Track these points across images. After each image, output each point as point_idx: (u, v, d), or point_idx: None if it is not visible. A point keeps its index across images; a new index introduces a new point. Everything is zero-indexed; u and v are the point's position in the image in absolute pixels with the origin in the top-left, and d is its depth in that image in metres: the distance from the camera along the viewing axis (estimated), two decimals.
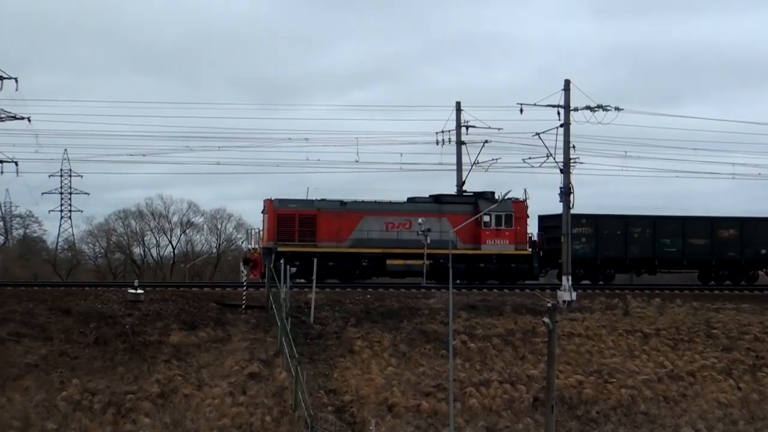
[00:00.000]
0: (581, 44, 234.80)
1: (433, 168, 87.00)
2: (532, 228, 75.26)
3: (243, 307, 58.08)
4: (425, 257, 66.88)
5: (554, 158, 66.73)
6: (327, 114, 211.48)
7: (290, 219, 70.80)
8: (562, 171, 66.34)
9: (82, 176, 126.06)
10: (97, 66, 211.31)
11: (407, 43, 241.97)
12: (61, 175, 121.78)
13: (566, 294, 62.79)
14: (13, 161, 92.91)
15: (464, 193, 74.24)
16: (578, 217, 73.60)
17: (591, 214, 74.70)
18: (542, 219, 77.39)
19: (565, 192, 66.13)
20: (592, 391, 54.01)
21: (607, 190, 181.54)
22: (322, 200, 71.70)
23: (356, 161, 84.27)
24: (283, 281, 57.80)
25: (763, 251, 71.11)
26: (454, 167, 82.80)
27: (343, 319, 58.14)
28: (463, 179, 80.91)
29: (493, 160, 79.55)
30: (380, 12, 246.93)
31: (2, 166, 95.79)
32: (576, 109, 66.25)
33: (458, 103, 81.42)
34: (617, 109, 67.14)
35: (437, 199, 71.34)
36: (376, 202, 73.03)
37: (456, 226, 65.39)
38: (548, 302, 48.20)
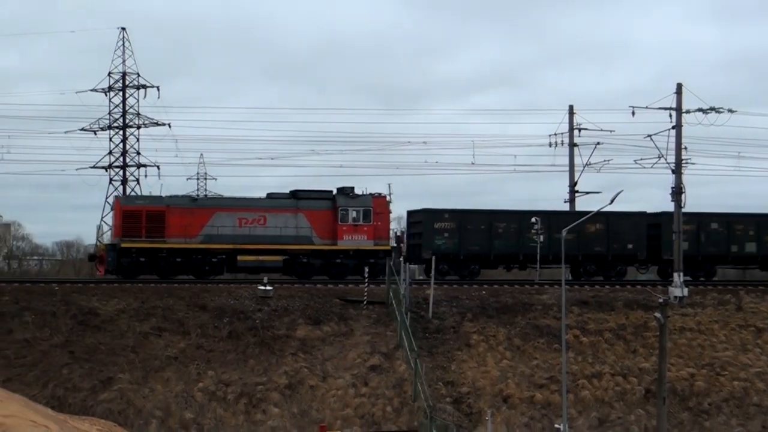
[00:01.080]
0: (700, 48, 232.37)
1: (546, 169, 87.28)
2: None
3: (364, 302, 58.95)
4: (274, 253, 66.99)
5: (666, 159, 66.90)
6: (446, 118, 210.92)
7: (137, 215, 69.00)
8: (673, 171, 66.50)
9: (216, 179, 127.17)
10: (234, 75, 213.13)
11: (525, 50, 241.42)
12: (198, 179, 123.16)
13: (678, 290, 62.36)
14: (155, 165, 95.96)
15: (322, 190, 71.80)
16: (441, 212, 72.80)
17: (454, 209, 72.91)
18: (409, 214, 76.14)
19: (677, 191, 66.38)
20: (703, 383, 54.12)
21: (721, 190, 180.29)
22: (172, 196, 70.68)
23: (472, 163, 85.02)
24: (403, 282, 58.69)
25: (630, 246, 70.49)
26: (567, 168, 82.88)
27: (460, 314, 58.68)
28: (576, 180, 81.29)
29: (605, 161, 79.31)
30: (500, 21, 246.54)
31: (146, 170, 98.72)
32: (688, 111, 65.96)
33: (571, 107, 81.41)
34: (730, 111, 66.91)
35: (294, 194, 70.00)
36: (229, 198, 72.72)
37: (313, 222, 66.48)
38: (659, 298, 49.25)
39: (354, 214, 66.79)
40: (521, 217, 69.56)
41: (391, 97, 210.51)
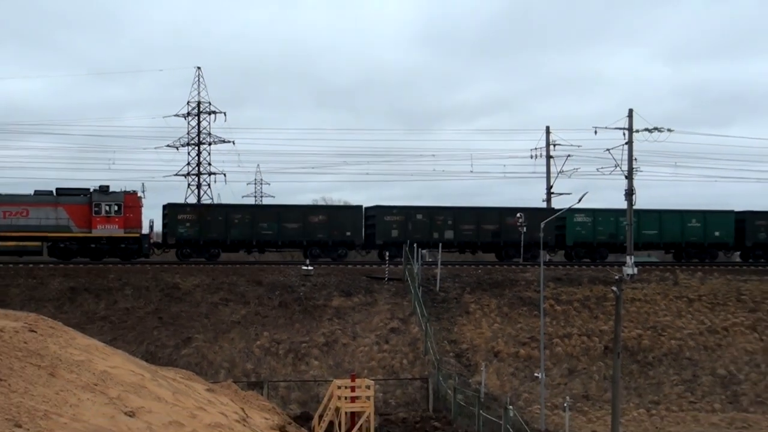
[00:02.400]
0: (654, 81, 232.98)
1: (528, 176, 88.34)
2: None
3: (386, 279, 59.14)
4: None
5: (620, 168, 67.41)
6: (454, 136, 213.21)
7: None
8: (626, 177, 67.03)
9: (269, 184, 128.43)
10: (289, 102, 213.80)
11: (519, 83, 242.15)
12: (255, 184, 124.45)
13: (629, 269, 63.10)
14: (222, 173, 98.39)
15: (81, 188, 68.33)
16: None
17: (194, 204, 73.08)
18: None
19: (629, 193, 66.87)
20: (648, 341, 54.44)
21: (662, 192, 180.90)
22: None
23: (471, 171, 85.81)
24: (415, 260, 59.23)
25: (348, 233, 68.56)
26: (545, 175, 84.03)
27: (461, 288, 59.06)
28: (551, 184, 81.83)
29: (574, 169, 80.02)
30: (499, 60, 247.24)
31: (215, 177, 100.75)
32: (637, 131, 66.42)
33: (547, 127, 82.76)
34: (669, 130, 67.29)
35: (57, 192, 66.85)
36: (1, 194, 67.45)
37: (72, 214, 64.59)
38: (616, 275, 49.80)
39: (107, 207, 64.61)
40: (254, 210, 69.19)
41: (413, 119, 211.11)
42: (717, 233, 69.73)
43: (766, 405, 50.95)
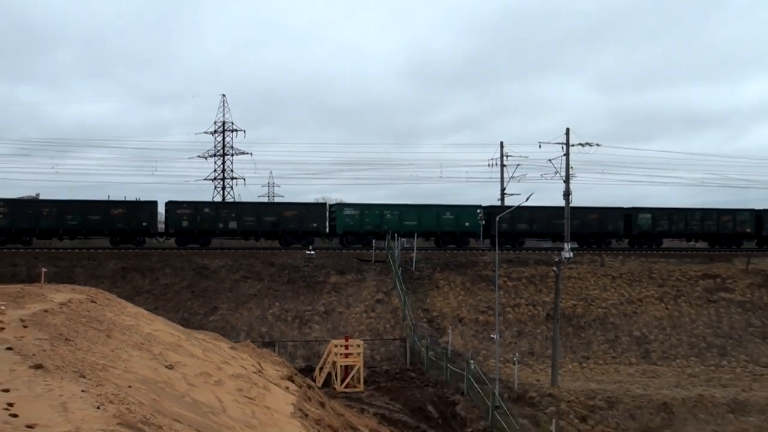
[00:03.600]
0: (591, 106, 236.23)
1: (486, 180, 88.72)
2: None
3: (373, 261, 59.23)
4: None
5: (560, 174, 67.86)
6: (429, 149, 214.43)
7: None
8: (564, 181, 67.39)
9: (280, 186, 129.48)
10: (297, 121, 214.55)
11: (483, 107, 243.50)
12: (268, 186, 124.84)
13: (567, 253, 63.22)
14: (242, 178, 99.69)
15: None
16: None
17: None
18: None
19: (566, 194, 67.17)
20: (581, 310, 54.99)
21: (592, 193, 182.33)
22: None
23: (440, 176, 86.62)
24: (396, 248, 59.45)
25: (144, 224, 64.56)
26: (499, 179, 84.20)
27: (432, 268, 59.28)
28: (504, 187, 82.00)
29: (522, 175, 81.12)
30: (468, 89, 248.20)
31: (236, 182, 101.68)
32: (573, 145, 67.02)
33: (501, 142, 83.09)
34: (597, 144, 67.96)
35: None
36: None
37: None
38: (556, 258, 50.19)
39: None
40: (61, 204, 64.87)
41: (397, 136, 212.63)
42: (467, 224, 69.19)
43: (670, 359, 51.52)
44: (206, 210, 66.79)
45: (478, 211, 69.09)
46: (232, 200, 78.63)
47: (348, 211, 69.06)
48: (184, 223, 65.64)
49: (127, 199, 67.61)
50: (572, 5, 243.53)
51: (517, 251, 67.99)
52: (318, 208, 71.29)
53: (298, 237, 67.50)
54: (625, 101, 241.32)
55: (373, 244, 62.04)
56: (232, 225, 66.52)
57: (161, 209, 68.79)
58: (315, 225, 68.04)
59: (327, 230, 69.86)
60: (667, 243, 79.62)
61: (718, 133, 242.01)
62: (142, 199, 67.51)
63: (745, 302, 58.20)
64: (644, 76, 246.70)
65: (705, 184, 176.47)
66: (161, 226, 69.11)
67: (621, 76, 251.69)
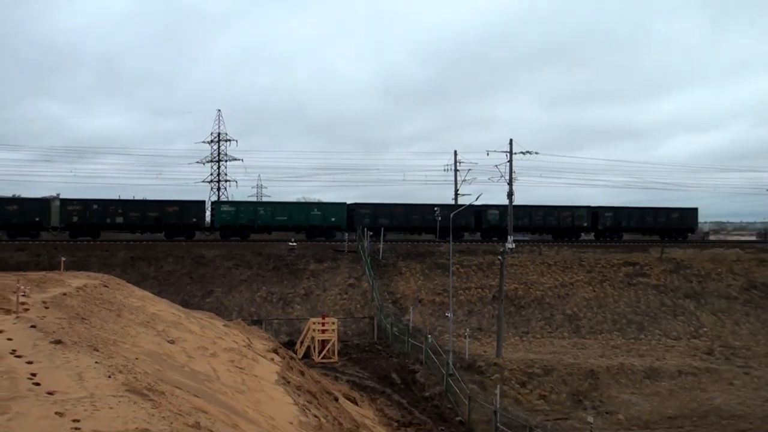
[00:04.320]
0: (533, 120, 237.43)
1: (442, 182, 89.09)
2: None
3: (346, 251, 58.90)
4: None
5: (504, 178, 68.26)
6: (395, 156, 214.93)
7: None
8: (509, 184, 67.77)
9: (267, 188, 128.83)
10: (284, 132, 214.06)
11: (442, 121, 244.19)
12: (257, 188, 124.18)
13: (510, 244, 63.56)
14: (234, 180, 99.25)
15: None
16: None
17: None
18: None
19: (510, 194, 67.51)
20: (521, 292, 55.07)
21: (531, 193, 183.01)
22: None
23: (403, 179, 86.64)
24: (365, 239, 59.41)
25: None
26: (452, 182, 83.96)
27: (396, 257, 59.10)
28: (458, 188, 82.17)
29: (473, 178, 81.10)
30: (430, 106, 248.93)
31: (229, 183, 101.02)
32: (515, 153, 67.15)
33: (455, 151, 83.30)
34: (536, 153, 68.34)
35: None
36: None
37: None
38: (501, 248, 50.38)
39: None
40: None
41: (369, 145, 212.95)
42: (333, 219, 68.36)
43: (596, 333, 51.83)
44: (95, 207, 64.51)
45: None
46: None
47: (225, 208, 67.53)
48: (74, 218, 63.81)
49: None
50: (518, 34, 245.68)
51: (468, 243, 68.02)
52: (198, 204, 68.41)
53: (179, 230, 65.45)
54: (561, 116, 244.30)
55: (346, 237, 61.85)
56: (119, 220, 64.26)
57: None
58: (195, 220, 66.17)
59: (207, 224, 68.20)
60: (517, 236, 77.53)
61: (638, 143, 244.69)
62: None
63: (659, 285, 58.73)
64: (578, 94, 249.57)
65: (627, 186, 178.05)
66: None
67: (558, 94, 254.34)
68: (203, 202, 69.58)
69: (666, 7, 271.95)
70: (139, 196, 69.71)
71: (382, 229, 63.28)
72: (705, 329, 54.19)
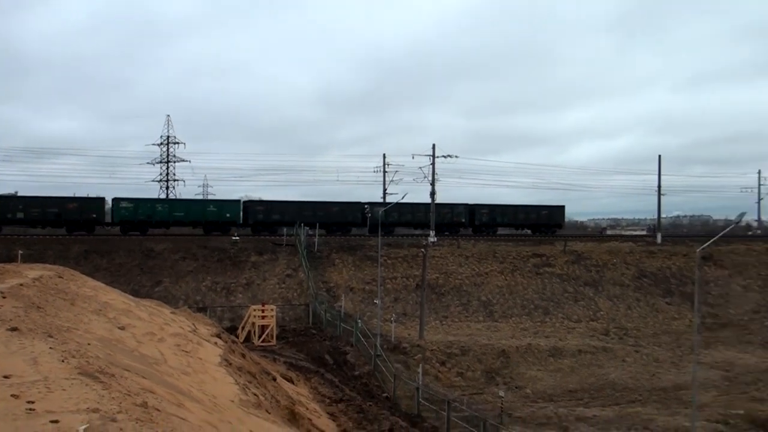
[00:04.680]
0: (455, 129, 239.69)
1: (372, 182, 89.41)
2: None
3: (284, 244, 58.16)
4: None
5: (427, 179, 68.55)
6: (332, 158, 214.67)
7: None
8: (431, 184, 68.01)
9: (212, 186, 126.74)
10: (229, 137, 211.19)
11: (376, 128, 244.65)
12: (203, 187, 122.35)
13: (432, 238, 64.23)
14: (182, 180, 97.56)
15: None
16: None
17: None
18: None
19: (432, 194, 67.84)
20: (442, 281, 55.21)
21: (452, 194, 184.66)
22: None
23: (337, 180, 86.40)
24: (302, 233, 58.88)
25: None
26: (381, 182, 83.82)
27: (330, 250, 58.59)
28: (386, 188, 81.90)
29: (401, 179, 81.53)
30: (368, 115, 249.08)
31: (177, 183, 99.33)
32: (438, 156, 67.46)
33: (384, 154, 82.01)
34: (456, 156, 68.76)
35: None
36: None
37: None
38: (424, 242, 50.74)
39: None
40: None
41: (308, 149, 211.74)
42: (228, 215, 66.36)
43: (507, 317, 52.48)
44: None
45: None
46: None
47: (124, 204, 64.47)
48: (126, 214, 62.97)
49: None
50: (444, 50, 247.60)
51: (395, 237, 68.18)
52: (97, 201, 65.92)
53: (80, 225, 62.19)
54: (480, 124, 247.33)
55: (284, 232, 61.39)
56: (20, 215, 61.32)
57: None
58: (95, 216, 63.58)
59: (107, 219, 65.93)
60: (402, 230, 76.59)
61: (547, 148, 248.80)
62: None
63: (562, 274, 59.70)
64: (496, 105, 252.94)
65: (536, 186, 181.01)
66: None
67: (478, 104, 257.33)
68: (102, 198, 67.27)
69: (576, 28, 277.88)
70: (93, 194, 68.06)
71: (317, 225, 62.92)
72: (602, 313, 55.36)
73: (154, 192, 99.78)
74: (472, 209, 75.07)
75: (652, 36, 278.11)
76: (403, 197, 54.45)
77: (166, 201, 65.71)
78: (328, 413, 25.03)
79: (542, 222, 78.01)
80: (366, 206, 68.82)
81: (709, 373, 39.63)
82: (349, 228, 70.52)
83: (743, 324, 55.40)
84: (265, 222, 66.55)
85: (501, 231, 76.64)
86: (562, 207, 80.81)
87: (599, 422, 30.41)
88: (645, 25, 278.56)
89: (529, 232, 77.85)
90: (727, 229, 28.50)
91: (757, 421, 30.62)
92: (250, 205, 69.19)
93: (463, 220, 73.73)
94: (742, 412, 32.15)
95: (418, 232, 72.12)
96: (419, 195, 72.73)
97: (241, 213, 67.86)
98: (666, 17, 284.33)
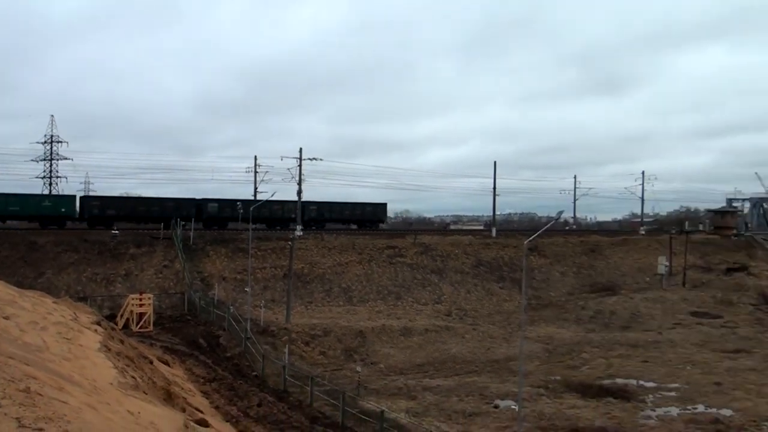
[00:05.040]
0: (321, 133, 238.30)
1: (245, 182, 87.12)
2: None
3: (161, 237, 56.41)
4: None
5: (294, 179, 68.17)
6: (211, 158, 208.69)
7: None
8: (298, 184, 67.70)
9: (94, 183, 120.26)
10: (111, 136, 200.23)
11: (248, 132, 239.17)
12: (85, 184, 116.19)
13: (298, 232, 63.71)
14: (65, 177, 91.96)
15: None
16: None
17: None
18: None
19: (299, 192, 67.68)
20: (307, 270, 55.40)
21: (318, 193, 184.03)
22: None
23: (212, 179, 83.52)
24: (178, 228, 57.39)
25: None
26: (253, 182, 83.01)
27: (204, 243, 57.30)
28: (257, 187, 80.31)
29: (270, 178, 79.11)
30: (238, 118, 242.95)
31: (60, 180, 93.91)
32: (304, 159, 67.26)
33: (255, 156, 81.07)
34: (321, 159, 68.86)
35: None
36: None
37: None
38: (291, 235, 50.71)
39: None
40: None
41: (185, 150, 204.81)
42: (64, 210, 62.47)
43: (365, 302, 53.41)
44: None
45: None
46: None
47: None
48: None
49: None
50: (313, 62, 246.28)
51: (266, 231, 67.49)
52: None
53: None
54: (344, 131, 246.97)
55: (161, 226, 59.70)
56: None
57: None
58: None
59: None
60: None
61: (402, 153, 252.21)
62: None
63: (412, 264, 61.13)
64: (357, 113, 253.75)
65: (390, 187, 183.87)
66: None
67: (342, 112, 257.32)
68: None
69: (428, 50, 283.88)
70: None
71: (192, 219, 61.50)
72: (445, 297, 57.22)
73: (38, 188, 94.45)
74: (303, 206, 71.73)
75: (491, 60, 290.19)
76: (272, 195, 54.10)
77: (2, 195, 60.71)
78: (202, 392, 24.90)
79: (367, 218, 76.93)
80: (205, 202, 66.54)
81: (533, 346, 41.70)
82: (183, 222, 65.32)
83: (561, 304, 58.70)
84: (101, 216, 62.75)
85: (329, 226, 74.79)
86: (384, 204, 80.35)
87: (442, 390, 31.45)
88: (484, 51, 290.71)
89: (355, 227, 76.40)
90: (549, 224, 30.09)
91: (570, 384, 32.55)
92: (86, 201, 64.93)
93: (293, 216, 70.19)
94: (559, 377, 34.07)
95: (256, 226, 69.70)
96: (288, 194, 71.61)
97: (78, 208, 63.69)
98: (501, 46, 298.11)
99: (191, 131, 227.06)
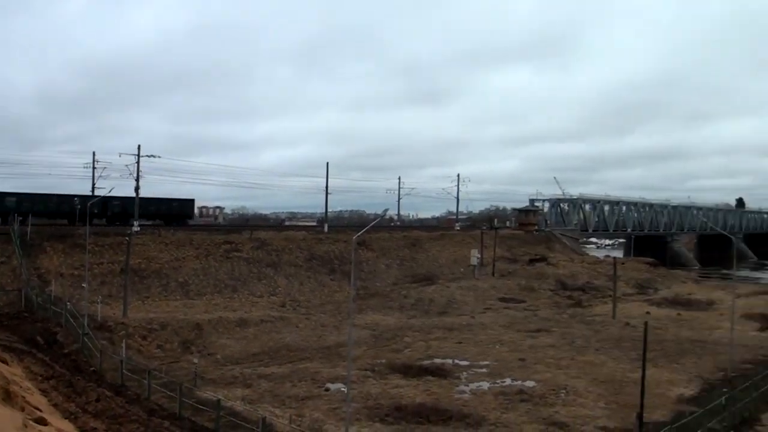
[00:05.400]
0: (163, 130, 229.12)
1: (84, 177, 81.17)
2: None
3: None
4: None
5: (133, 175, 65.19)
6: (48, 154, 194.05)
7: None
8: (136, 180, 65.00)
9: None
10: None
11: (89, 127, 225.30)
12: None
13: (136, 227, 61.49)
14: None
15: None
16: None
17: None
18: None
19: (137, 189, 64.84)
20: (144, 265, 54.23)
21: (157, 189, 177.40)
22: None
23: (50, 174, 76.70)
24: (15, 225, 54.01)
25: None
26: (91, 177, 78.79)
27: (42, 239, 54.26)
28: (95, 183, 76.80)
29: (108, 175, 72.86)
30: (79, 115, 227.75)
31: None
32: (143, 156, 64.41)
33: (93, 152, 77.80)
34: (159, 156, 65.34)
35: None
36: None
37: None
38: (129, 231, 49.37)
39: None
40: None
41: (23, 144, 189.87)
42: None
43: (202, 295, 52.62)
44: None
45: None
46: None
47: None
48: None
49: None
50: (157, 62, 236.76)
51: (107, 227, 64.49)
52: None
53: None
54: (184, 129, 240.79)
55: None
56: None
57: None
58: None
59: None
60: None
61: (242, 153, 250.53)
62: None
63: (248, 258, 61.38)
64: (198, 114, 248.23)
65: (229, 185, 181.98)
66: None
67: (182, 113, 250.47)
68: None
69: (268, 55, 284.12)
70: None
71: (30, 215, 57.77)
72: (280, 289, 58.14)
73: None
74: (106, 201, 66.86)
75: (326, 68, 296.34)
76: (110, 191, 52.49)
77: None
78: (40, 390, 24.41)
79: (174, 213, 74.12)
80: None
81: (361, 332, 43.17)
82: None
83: (386, 294, 61.31)
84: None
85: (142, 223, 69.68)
86: (192, 200, 78.68)
87: (276, 377, 32.12)
88: (320, 59, 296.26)
89: (162, 222, 72.24)
90: (376, 221, 31.78)
91: (394, 366, 34.19)
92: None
93: (96, 211, 64.41)
94: (384, 360, 35.64)
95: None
96: (126, 191, 67.93)
97: None
98: (336, 55, 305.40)
99: (29, 125, 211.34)
